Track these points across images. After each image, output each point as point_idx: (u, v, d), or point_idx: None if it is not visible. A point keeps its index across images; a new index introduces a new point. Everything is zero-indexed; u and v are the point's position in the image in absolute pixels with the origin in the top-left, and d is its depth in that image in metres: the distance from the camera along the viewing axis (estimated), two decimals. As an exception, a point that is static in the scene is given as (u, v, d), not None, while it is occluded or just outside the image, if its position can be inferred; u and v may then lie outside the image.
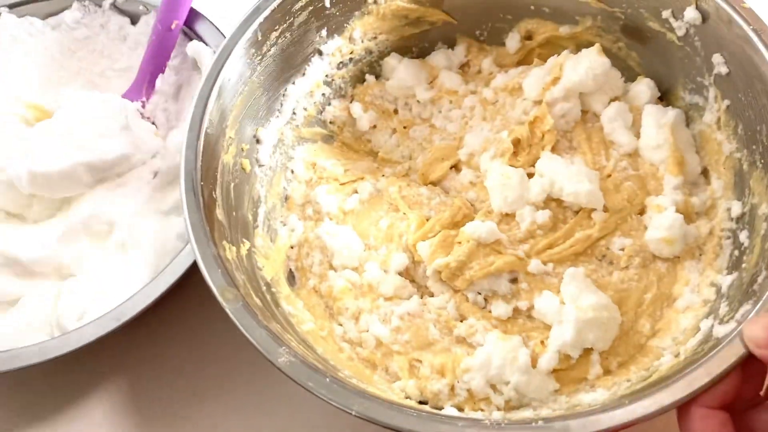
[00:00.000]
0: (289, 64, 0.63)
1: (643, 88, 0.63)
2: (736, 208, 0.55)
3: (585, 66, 0.62)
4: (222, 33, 0.71)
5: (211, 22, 0.72)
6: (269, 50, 0.60)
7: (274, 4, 0.59)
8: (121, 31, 0.75)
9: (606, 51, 0.63)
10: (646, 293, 0.56)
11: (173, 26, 0.71)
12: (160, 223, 0.66)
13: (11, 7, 0.75)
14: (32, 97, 0.73)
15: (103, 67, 0.77)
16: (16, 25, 0.75)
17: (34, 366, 0.55)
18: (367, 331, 0.57)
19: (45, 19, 0.76)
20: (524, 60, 0.69)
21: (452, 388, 0.53)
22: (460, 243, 0.58)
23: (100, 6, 0.75)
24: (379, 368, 0.56)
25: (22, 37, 0.75)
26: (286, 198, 0.64)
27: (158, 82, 0.73)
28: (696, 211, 0.58)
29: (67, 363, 0.56)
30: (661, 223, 0.56)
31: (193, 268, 0.58)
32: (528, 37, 0.68)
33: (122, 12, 0.75)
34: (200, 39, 0.72)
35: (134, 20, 0.75)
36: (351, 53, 0.67)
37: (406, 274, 0.60)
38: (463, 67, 0.71)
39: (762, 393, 0.41)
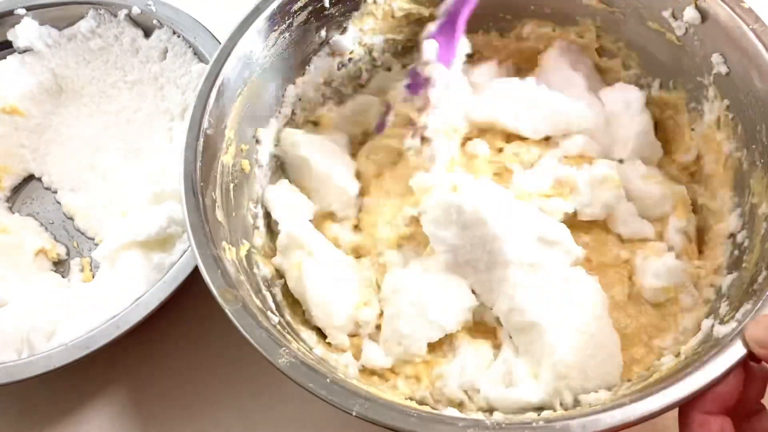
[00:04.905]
0: (288, 65, 0.62)
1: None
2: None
3: None
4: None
5: (212, 35, 0.71)
6: (269, 50, 0.60)
7: (274, 5, 0.59)
8: (134, 44, 0.75)
9: (606, 51, 0.63)
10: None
11: None
12: (140, 250, 0.65)
13: (29, 9, 0.75)
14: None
15: (115, 79, 0.77)
16: (35, 35, 0.75)
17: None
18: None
19: (59, 24, 0.76)
20: (524, 60, 0.69)
21: (432, 394, 0.53)
22: None
23: (115, 16, 0.75)
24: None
25: (40, 47, 0.76)
26: (285, 197, 0.64)
27: None
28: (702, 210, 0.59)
29: (67, 369, 0.56)
30: (658, 269, 0.55)
31: (192, 271, 0.58)
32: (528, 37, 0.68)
33: (136, 24, 0.75)
34: (200, 52, 0.71)
35: (147, 33, 0.75)
36: (351, 53, 0.67)
37: None
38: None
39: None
